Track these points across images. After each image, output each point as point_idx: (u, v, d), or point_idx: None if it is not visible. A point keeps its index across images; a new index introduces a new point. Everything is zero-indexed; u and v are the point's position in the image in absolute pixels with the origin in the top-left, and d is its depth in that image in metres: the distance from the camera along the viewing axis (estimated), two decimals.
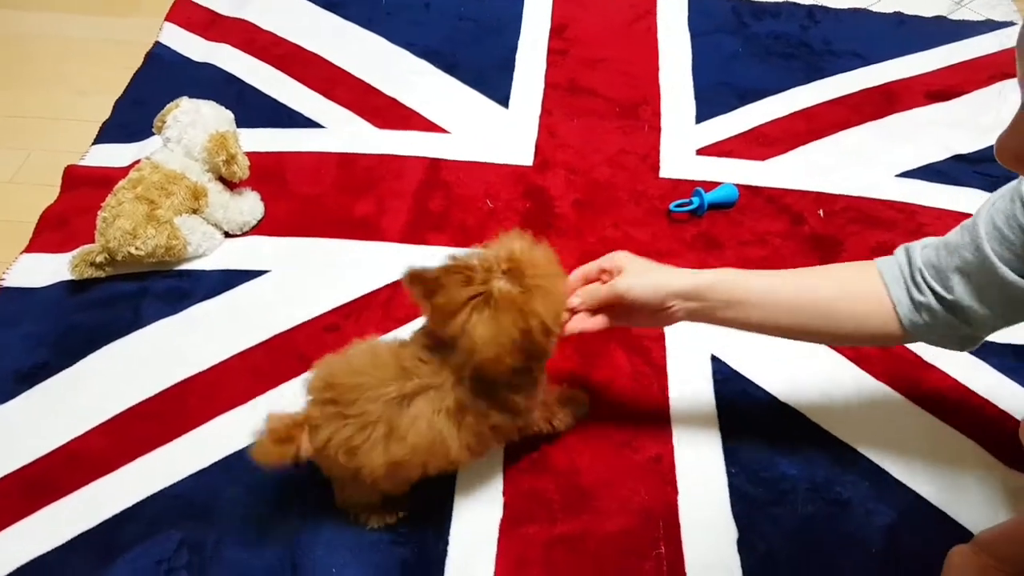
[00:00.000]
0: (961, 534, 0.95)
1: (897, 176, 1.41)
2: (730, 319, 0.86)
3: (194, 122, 1.22)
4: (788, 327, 0.86)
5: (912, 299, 0.80)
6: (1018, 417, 1.06)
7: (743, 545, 0.94)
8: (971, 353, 1.11)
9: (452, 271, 0.76)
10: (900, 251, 0.84)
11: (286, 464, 0.83)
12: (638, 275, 0.85)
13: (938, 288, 0.78)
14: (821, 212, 1.34)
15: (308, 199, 1.33)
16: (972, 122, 1.51)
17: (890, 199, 1.36)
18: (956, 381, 1.10)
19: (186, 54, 1.61)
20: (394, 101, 1.51)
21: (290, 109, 1.49)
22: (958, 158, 1.44)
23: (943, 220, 1.32)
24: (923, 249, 0.82)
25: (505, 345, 0.74)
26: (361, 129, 1.46)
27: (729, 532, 0.95)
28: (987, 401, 1.08)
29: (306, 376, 0.84)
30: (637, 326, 0.98)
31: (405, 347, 0.84)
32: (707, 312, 0.86)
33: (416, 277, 0.77)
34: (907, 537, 0.96)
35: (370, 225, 1.29)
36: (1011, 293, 0.74)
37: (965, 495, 0.99)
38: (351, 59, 1.59)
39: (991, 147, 1.56)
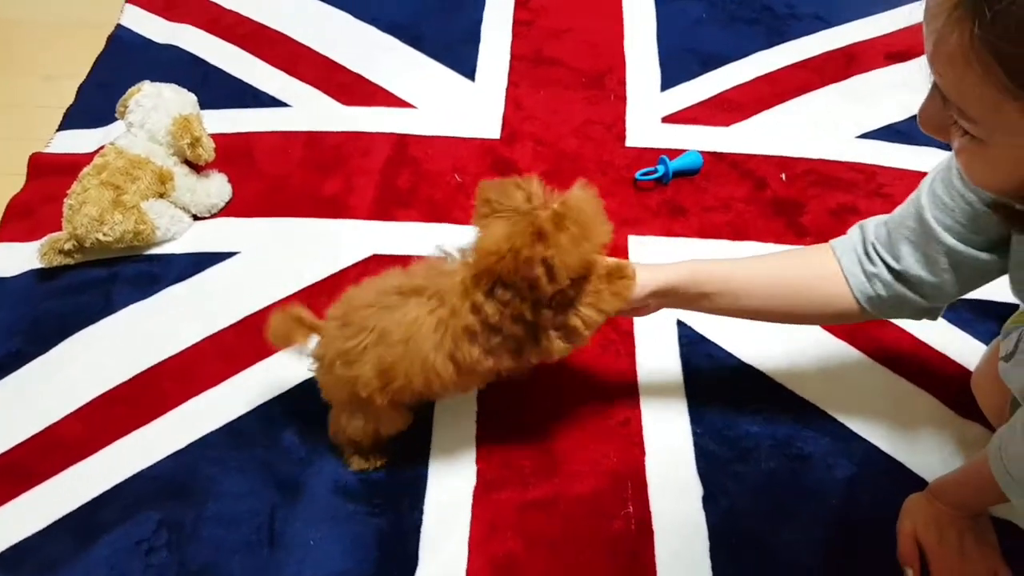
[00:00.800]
0: (917, 483, 0.99)
1: (857, 137, 1.43)
2: (701, 307, 0.90)
3: (156, 106, 1.22)
4: (755, 311, 0.90)
5: (865, 272, 0.83)
6: (972, 369, 1.09)
7: (708, 502, 0.97)
8: None
9: (512, 185, 0.80)
10: (855, 228, 0.87)
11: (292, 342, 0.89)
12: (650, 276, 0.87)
13: (888, 259, 0.81)
14: (783, 176, 1.36)
15: (276, 179, 1.34)
16: (929, 82, 1.53)
17: (851, 160, 1.38)
18: (913, 336, 1.14)
19: (148, 36, 1.60)
20: (359, 77, 1.51)
21: (255, 89, 1.48)
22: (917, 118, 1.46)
23: (903, 180, 1.35)
24: (876, 225, 0.84)
25: (502, 250, 0.75)
26: (327, 106, 1.46)
27: (695, 490, 0.99)
28: (942, 355, 1.12)
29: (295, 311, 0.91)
30: None
31: (414, 266, 0.89)
32: (679, 303, 0.91)
33: (483, 184, 0.81)
34: (866, 488, 0.99)
35: (338, 203, 1.30)
36: (957, 259, 0.76)
37: (920, 446, 1.02)
38: (315, 36, 1.59)
39: None
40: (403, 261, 1.17)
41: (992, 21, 0.45)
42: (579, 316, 0.84)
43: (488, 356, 0.83)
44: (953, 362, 1.11)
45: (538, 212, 0.77)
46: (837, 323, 1.07)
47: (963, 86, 0.50)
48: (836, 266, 0.85)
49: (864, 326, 1.14)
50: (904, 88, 1.51)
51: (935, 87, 0.54)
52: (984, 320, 1.15)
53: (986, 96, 0.49)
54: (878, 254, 0.82)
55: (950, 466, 0.98)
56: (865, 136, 1.43)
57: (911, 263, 0.79)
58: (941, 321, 1.14)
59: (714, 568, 0.93)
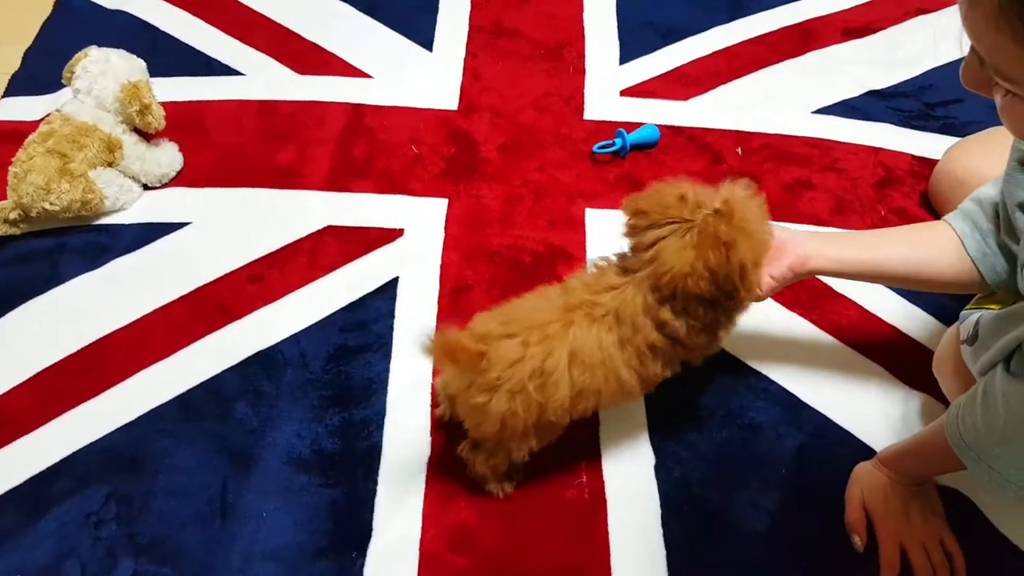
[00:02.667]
0: (865, 452, 1.01)
1: (813, 112, 1.44)
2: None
3: (104, 72, 1.19)
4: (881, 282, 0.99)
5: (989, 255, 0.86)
6: (920, 340, 1.12)
7: (660, 470, 0.99)
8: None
9: (663, 192, 0.80)
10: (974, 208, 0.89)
11: (461, 366, 0.80)
12: (819, 254, 0.89)
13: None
14: (739, 150, 1.37)
15: (228, 148, 1.31)
16: (887, 58, 1.55)
17: (806, 135, 1.39)
18: (863, 309, 1.15)
19: (97, 1, 1.55)
20: (314, 45, 1.49)
21: (207, 56, 1.45)
22: (872, 93, 1.48)
23: (857, 155, 1.37)
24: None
25: (697, 269, 0.77)
26: (281, 75, 1.43)
27: (647, 459, 1.00)
28: (892, 327, 1.14)
29: (461, 333, 0.81)
30: None
31: (570, 282, 0.87)
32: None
33: (630, 199, 0.82)
34: (815, 457, 1.01)
35: (292, 173, 1.28)
36: None
37: (869, 416, 1.05)
38: (270, 3, 1.55)
39: (904, 82, 1.61)
40: (359, 233, 1.21)
41: None
42: (744, 305, 0.87)
43: (667, 367, 0.86)
44: (903, 334, 1.13)
45: (708, 219, 0.77)
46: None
47: (997, 49, 0.54)
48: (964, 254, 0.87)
49: (816, 300, 1.16)
50: (860, 64, 1.53)
51: (973, 48, 0.58)
52: (933, 294, 1.17)
53: (1019, 57, 0.53)
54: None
55: (898, 435, 1.00)
56: (821, 111, 1.44)
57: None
58: (889, 293, 1.17)
59: (665, 535, 0.94)
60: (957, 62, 1.67)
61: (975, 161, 1.18)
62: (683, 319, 0.81)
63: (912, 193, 1.32)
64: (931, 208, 1.28)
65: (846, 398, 1.06)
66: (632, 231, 0.83)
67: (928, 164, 1.35)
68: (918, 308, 1.16)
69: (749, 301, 0.86)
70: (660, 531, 0.95)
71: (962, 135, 1.39)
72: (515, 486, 0.96)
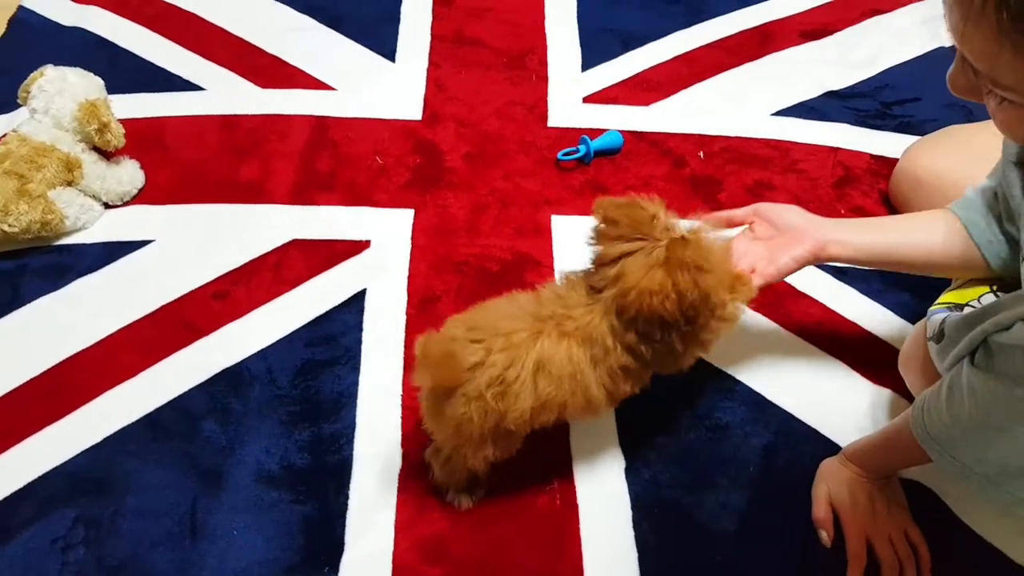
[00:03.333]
0: (831, 448, 1.02)
1: (772, 115, 1.46)
2: None
3: (61, 91, 1.18)
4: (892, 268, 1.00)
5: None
6: (883, 337, 1.14)
7: (630, 473, 1.00)
8: (840, 280, 1.19)
9: (638, 207, 0.80)
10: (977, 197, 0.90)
11: (447, 381, 0.79)
12: (837, 240, 0.91)
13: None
14: (701, 154, 1.39)
15: (190, 164, 1.31)
16: (843, 59, 1.58)
17: (765, 137, 1.41)
18: (826, 307, 1.17)
19: (53, 18, 1.53)
20: (276, 59, 1.48)
21: (167, 72, 1.44)
22: (830, 94, 1.50)
23: (815, 156, 1.39)
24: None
25: (665, 288, 0.76)
26: (243, 89, 1.42)
27: (617, 463, 1.00)
28: (855, 324, 1.16)
29: (424, 339, 0.80)
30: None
31: (543, 291, 0.86)
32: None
33: (603, 203, 0.82)
34: (782, 455, 1.03)
35: (256, 188, 1.28)
36: None
37: (834, 412, 1.06)
38: (229, 17, 1.55)
39: (861, 82, 1.64)
40: (325, 246, 1.20)
41: (1018, 7, 0.51)
42: (712, 330, 0.87)
43: (636, 385, 0.86)
44: (866, 332, 1.15)
45: (676, 243, 0.77)
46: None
47: (996, 61, 0.56)
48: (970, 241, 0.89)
49: (778, 299, 1.17)
50: (818, 65, 1.55)
51: (962, 58, 0.60)
52: (894, 291, 1.19)
53: (1019, 69, 0.55)
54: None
55: (862, 431, 1.02)
56: (780, 113, 1.47)
57: None
58: (852, 291, 1.19)
59: (636, 537, 0.95)
60: (912, 61, 1.72)
61: (934, 162, 1.21)
62: (647, 343, 0.81)
63: (871, 192, 1.34)
64: (891, 207, 1.31)
65: (812, 396, 1.08)
66: (599, 238, 0.82)
67: (886, 163, 1.38)
68: (880, 306, 1.18)
69: (714, 327, 0.86)
70: (631, 533, 0.95)
71: (919, 133, 1.42)
72: (474, 502, 0.96)
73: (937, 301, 0.96)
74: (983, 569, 0.95)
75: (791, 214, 0.95)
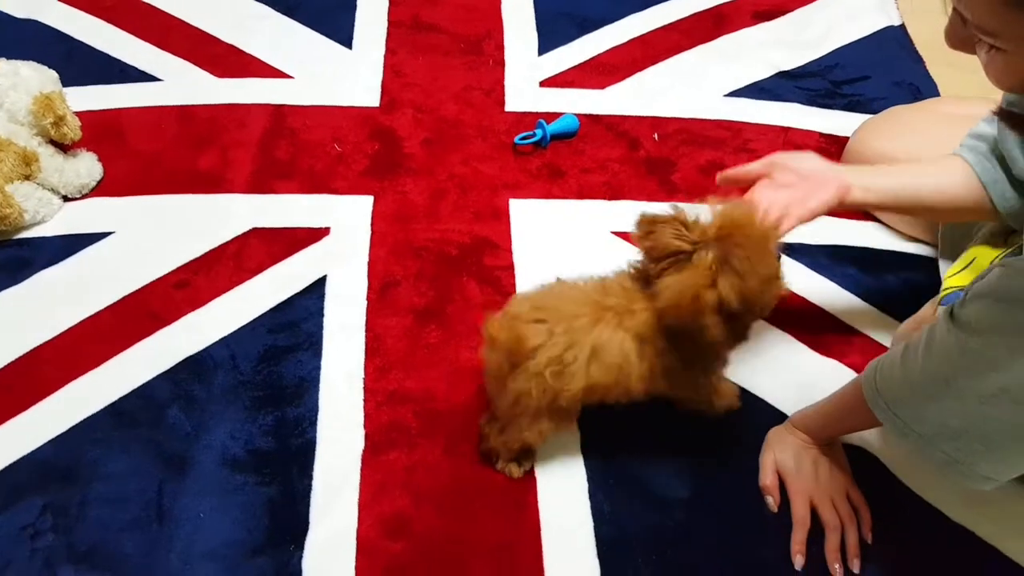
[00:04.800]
0: (778, 418, 1.06)
1: (725, 96, 1.49)
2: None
3: (15, 85, 1.18)
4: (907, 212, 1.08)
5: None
6: (827, 308, 1.18)
7: (585, 446, 1.03)
8: (787, 255, 1.23)
9: (668, 221, 0.82)
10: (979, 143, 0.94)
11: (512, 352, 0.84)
12: (860, 184, 0.94)
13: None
14: (656, 136, 1.42)
15: (149, 155, 1.31)
16: (794, 39, 1.61)
17: (718, 118, 1.44)
18: None
19: (6, 11, 1.53)
20: (233, 48, 1.49)
21: (123, 63, 1.44)
22: (781, 74, 1.54)
23: (767, 135, 1.42)
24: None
25: (685, 303, 0.79)
26: (200, 79, 1.43)
27: (573, 436, 1.03)
28: (802, 297, 1.19)
29: (491, 321, 0.85)
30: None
31: (605, 281, 0.90)
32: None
33: (643, 219, 0.84)
34: (732, 424, 1.05)
35: (215, 177, 1.29)
36: None
37: (780, 382, 1.10)
38: (185, 7, 1.55)
39: (812, 62, 1.68)
40: (285, 234, 1.22)
41: None
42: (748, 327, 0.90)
43: (672, 388, 0.91)
44: (810, 303, 1.19)
45: (701, 253, 0.79)
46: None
47: (981, 8, 0.62)
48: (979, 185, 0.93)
49: None
50: (770, 46, 1.59)
51: (955, 10, 0.66)
52: (840, 264, 1.24)
53: (997, 13, 0.61)
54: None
55: (808, 401, 1.05)
56: (732, 94, 1.50)
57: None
58: (799, 265, 1.23)
59: (592, 507, 0.98)
60: (861, 40, 1.76)
61: (881, 142, 1.25)
62: (678, 351, 0.85)
63: None
64: None
65: (758, 366, 1.11)
66: (647, 257, 0.86)
67: (835, 140, 1.42)
68: (824, 278, 1.22)
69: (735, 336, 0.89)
70: (587, 504, 0.99)
71: (867, 111, 1.46)
72: (524, 472, 1.00)
73: (944, 287, 0.99)
74: (923, 528, 0.99)
75: (811, 160, 0.96)
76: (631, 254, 0.89)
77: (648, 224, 0.84)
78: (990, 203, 0.93)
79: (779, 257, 0.84)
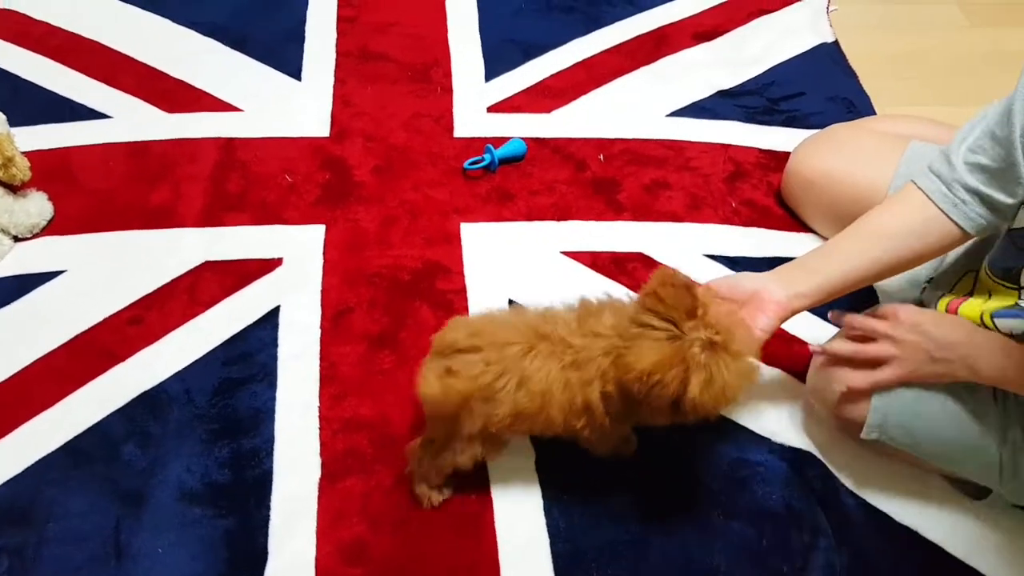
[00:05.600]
0: (728, 426, 1.10)
1: (667, 116, 1.54)
2: None
3: None
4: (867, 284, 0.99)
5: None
6: None
7: (540, 464, 1.05)
8: (733, 270, 1.27)
9: (688, 292, 0.81)
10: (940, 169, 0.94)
11: (447, 403, 0.86)
12: (796, 294, 0.93)
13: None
14: (601, 157, 1.45)
15: (100, 193, 1.32)
16: (733, 59, 1.66)
17: (661, 138, 1.49)
18: None
19: None
20: (182, 83, 1.50)
21: (72, 102, 1.45)
22: (721, 93, 1.59)
23: (708, 153, 1.47)
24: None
25: (658, 376, 0.78)
26: (150, 115, 1.44)
27: (528, 455, 1.06)
28: None
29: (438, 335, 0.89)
30: None
31: (550, 311, 0.91)
32: None
33: (667, 274, 0.83)
34: (684, 436, 1.08)
35: (166, 212, 1.30)
36: None
37: None
38: (134, 44, 1.56)
39: (750, 80, 1.73)
40: (237, 266, 1.23)
41: None
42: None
43: (585, 428, 0.90)
44: None
45: (693, 343, 0.79)
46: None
47: None
48: (939, 214, 0.92)
49: None
50: (709, 66, 1.64)
51: None
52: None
53: None
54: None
55: (762, 407, 1.10)
56: (674, 114, 1.54)
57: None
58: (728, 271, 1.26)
59: (548, 525, 1.01)
60: (798, 58, 1.81)
61: (819, 161, 1.31)
62: (622, 402, 0.85)
63: (760, 184, 1.43)
64: (779, 198, 1.39)
65: None
66: (643, 301, 0.85)
67: (774, 156, 1.47)
68: None
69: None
70: (543, 521, 1.01)
71: (804, 126, 1.51)
72: (443, 500, 1.01)
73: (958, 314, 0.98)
74: (869, 526, 1.03)
75: (745, 282, 0.96)
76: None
77: (670, 280, 0.83)
78: (958, 229, 0.93)
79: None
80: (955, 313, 0.98)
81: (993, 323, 0.93)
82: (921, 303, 1.12)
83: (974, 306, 0.97)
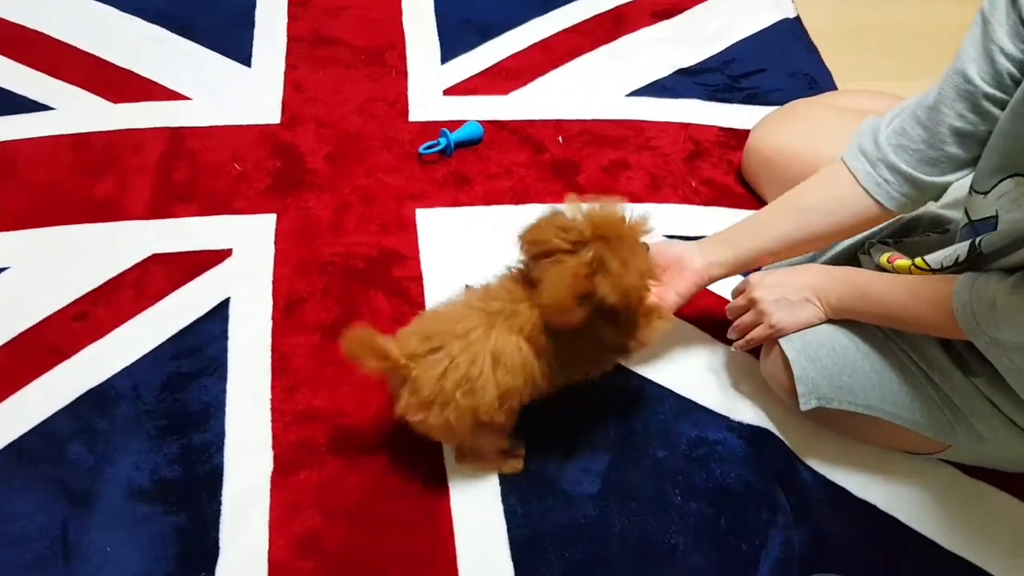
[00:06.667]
0: (684, 404, 1.10)
1: (627, 96, 1.52)
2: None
3: None
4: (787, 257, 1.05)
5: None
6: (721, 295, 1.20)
7: None
8: None
9: (548, 222, 0.84)
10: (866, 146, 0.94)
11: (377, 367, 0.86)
12: (715, 262, 1.00)
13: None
14: (560, 138, 1.44)
15: (43, 187, 1.29)
16: (692, 36, 1.65)
17: (621, 118, 1.48)
18: None
19: None
20: (129, 72, 1.47)
21: (13, 94, 1.41)
22: (680, 72, 1.57)
23: (667, 132, 1.46)
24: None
25: (565, 300, 0.81)
26: (94, 106, 1.40)
27: None
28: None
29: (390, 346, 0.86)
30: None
31: (492, 285, 0.92)
32: None
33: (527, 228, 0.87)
34: (639, 416, 1.08)
35: (112, 205, 1.27)
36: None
37: (684, 371, 1.13)
38: (78, 33, 1.52)
39: (710, 58, 1.72)
40: (186, 258, 1.21)
41: None
42: (627, 343, 0.94)
43: (569, 379, 0.94)
44: (713, 294, 1.21)
45: (580, 254, 0.81)
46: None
47: None
48: (861, 192, 0.93)
49: None
50: (668, 44, 1.62)
51: None
52: None
53: None
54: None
55: (712, 385, 1.10)
56: (633, 94, 1.53)
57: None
58: None
59: (505, 509, 1.00)
60: (759, 34, 1.80)
61: (777, 138, 1.30)
62: (562, 343, 0.87)
63: (720, 163, 1.42)
64: (740, 177, 1.38)
65: (663, 358, 1.14)
66: (528, 258, 0.88)
67: (734, 134, 1.46)
68: None
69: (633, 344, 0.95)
70: (500, 506, 1.00)
71: (765, 103, 1.50)
72: (520, 457, 1.03)
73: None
74: (828, 502, 1.03)
75: (671, 250, 1.01)
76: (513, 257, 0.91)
77: (530, 226, 0.86)
78: (879, 207, 0.94)
79: (648, 252, 0.88)
80: (893, 264, 0.99)
81: (925, 263, 0.94)
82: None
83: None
